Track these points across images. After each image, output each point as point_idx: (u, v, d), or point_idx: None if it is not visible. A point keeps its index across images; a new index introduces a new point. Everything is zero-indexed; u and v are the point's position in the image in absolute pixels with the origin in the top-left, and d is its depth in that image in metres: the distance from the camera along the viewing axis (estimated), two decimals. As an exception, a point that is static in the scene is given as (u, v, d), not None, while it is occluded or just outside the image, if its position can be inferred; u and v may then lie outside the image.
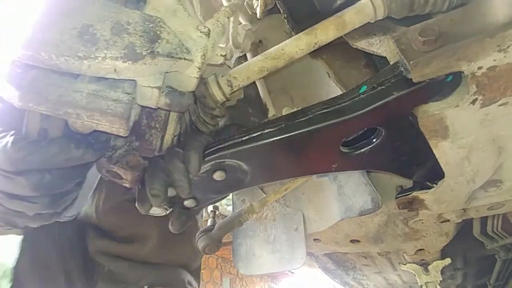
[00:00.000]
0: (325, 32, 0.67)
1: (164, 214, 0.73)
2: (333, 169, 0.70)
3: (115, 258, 1.15)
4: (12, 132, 0.56)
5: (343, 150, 0.67)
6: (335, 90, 1.07)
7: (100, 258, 1.14)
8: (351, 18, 0.66)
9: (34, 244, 1.05)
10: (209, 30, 0.58)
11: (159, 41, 0.51)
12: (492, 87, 0.50)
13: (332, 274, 1.99)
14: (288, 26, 0.91)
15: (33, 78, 0.47)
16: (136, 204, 0.68)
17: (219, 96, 0.69)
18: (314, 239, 1.20)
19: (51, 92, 0.48)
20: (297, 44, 0.68)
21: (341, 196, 0.99)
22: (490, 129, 0.56)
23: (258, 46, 1.19)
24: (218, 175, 0.68)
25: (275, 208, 1.13)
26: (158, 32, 0.52)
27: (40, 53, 0.45)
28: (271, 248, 1.08)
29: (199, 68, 0.56)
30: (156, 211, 0.71)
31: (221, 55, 0.62)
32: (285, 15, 0.88)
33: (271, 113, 0.89)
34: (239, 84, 0.69)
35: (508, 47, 0.46)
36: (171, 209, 0.71)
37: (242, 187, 0.74)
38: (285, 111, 0.81)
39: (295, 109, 0.81)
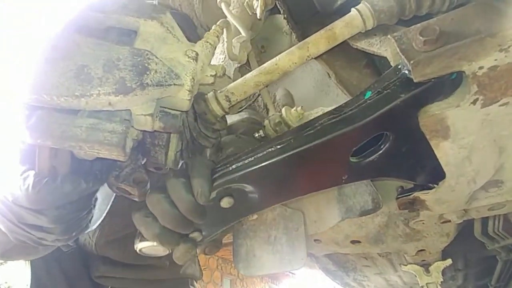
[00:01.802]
0: (316, 45, 0.69)
1: (167, 253, 0.70)
2: (343, 181, 0.66)
3: (118, 279, 1.18)
4: (34, 173, 0.63)
5: (352, 160, 0.64)
6: (335, 90, 1.07)
7: (101, 281, 1.19)
8: (341, 30, 0.68)
9: (43, 271, 1.12)
10: (196, 54, 0.62)
11: (148, 72, 0.55)
12: (493, 87, 0.50)
13: (333, 275, 1.99)
14: (288, 26, 0.91)
15: (38, 118, 0.53)
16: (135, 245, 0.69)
17: (219, 111, 0.71)
18: (315, 240, 1.19)
19: (54, 129, 0.53)
20: (290, 58, 0.70)
21: (342, 196, 0.99)
22: (491, 129, 0.55)
23: (261, 52, 1.19)
24: (225, 202, 0.63)
25: (276, 208, 1.12)
26: (146, 64, 0.56)
27: (42, 96, 0.51)
28: (271, 249, 1.08)
29: (189, 91, 0.59)
30: (158, 250, 0.69)
31: (211, 75, 0.64)
32: (285, 15, 0.88)
33: (271, 112, 0.90)
34: (237, 99, 0.72)
35: (509, 46, 0.46)
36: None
37: (251, 213, 0.70)
38: (284, 111, 0.81)
39: (295, 108, 0.81)
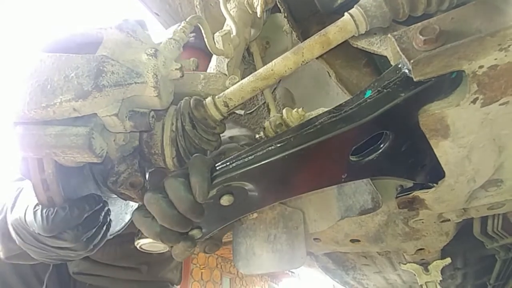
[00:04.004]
0: (311, 51, 0.70)
1: (167, 250, 0.70)
2: (343, 180, 0.66)
3: (96, 276, 1.19)
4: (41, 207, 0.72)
5: (352, 159, 0.64)
6: (335, 89, 1.07)
7: (80, 277, 1.19)
8: (335, 36, 0.68)
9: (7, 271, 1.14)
10: (155, 50, 0.65)
11: (103, 75, 0.59)
12: (493, 86, 0.50)
13: (332, 274, 1.99)
14: (288, 25, 0.91)
15: (17, 133, 0.59)
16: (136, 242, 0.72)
17: (217, 116, 0.74)
18: (314, 239, 1.20)
19: (30, 140, 0.59)
20: (286, 64, 0.71)
21: (341, 195, 0.99)
22: (491, 129, 0.55)
23: (266, 48, 1.19)
24: (225, 200, 0.63)
25: (275, 207, 1.13)
26: (101, 67, 0.59)
27: (17, 112, 0.57)
28: (271, 248, 1.08)
29: (154, 87, 0.63)
30: (158, 247, 0.70)
31: (176, 69, 0.67)
32: (285, 14, 0.88)
33: (273, 112, 0.89)
34: (235, 104, 0.74)
35: (509, 46, 0.45)
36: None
37: (251, 210, 0.70)
38: (285, 112, 0.81)
39: (296, 109, 0.81)
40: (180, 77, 0.69)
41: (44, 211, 0.70)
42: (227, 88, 0.82)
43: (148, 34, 0.71)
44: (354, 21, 0.66)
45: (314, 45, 0.70)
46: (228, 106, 0.74)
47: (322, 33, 0.69)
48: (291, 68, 0.72)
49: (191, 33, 0.79)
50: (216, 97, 0.74)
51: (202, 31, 0.83)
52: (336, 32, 0.68)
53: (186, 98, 0.75)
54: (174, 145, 0.71)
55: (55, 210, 0.70)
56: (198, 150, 0.74)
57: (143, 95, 0.64)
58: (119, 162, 0.71)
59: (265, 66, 0.73)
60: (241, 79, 0.76)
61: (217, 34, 0.88)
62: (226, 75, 0.89)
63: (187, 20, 0.76)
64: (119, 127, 0.64)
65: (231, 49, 0.90)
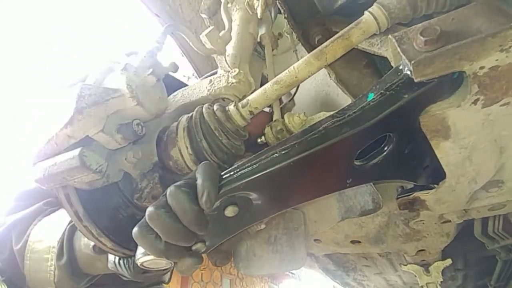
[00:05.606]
0: (334, 55, 0.71)
1: (170, 266, 0.70)
2: (348, 185, 0.65)
3: None
4: (118, 259, 0.87)
5: (356, 163, 0.63)
6: (335, 90, 1.07)
7: None
8: (358, 38, 0.68)
9: None
10: (126, 64, 0.71)
11: (81, 99, 0.65)
12: (494, 87, 0.50)
13: (333, 275, 1.99)
14: (288, 26, 0.91)
15: (36, 171, 0.68)
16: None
17: (243, 124, 0.78)
18: (315, 240, 1.19)
19: (43, 173, 0.67)
20: (309, 70, 0.73)
21: (342, 196, 0.99)
22: (492, 129, 0.55)
23: (278, 39, 1.19)
24: (230, 211, 0.61)
25: (276, 208, 1.12)
26: (79, 93, 0.65)
27: (33, 153, 0.67)
28: (271, 249, 1.08)
29: (132, 97, 0.68)
30: (160, 264, 0.69)
31: (148, 74, 0.72)
32: (286, 15, 0.88)
33: (276, 117, 0.89)
34: (258, 110, 0.78)
35: (510, 47, 0.45)
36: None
37: (256, 221, 0.69)
38: (287, 117, 0.81)
39: (298, 114, 0.81)
40: (157, 81, 0.73)
41: (125, 262, 0.85)
42: (232, 83, 0.83)
43: (131, 57, 0.76)
44: (377, 23, 0.66)
45: (337, 49, 0.69)
46: (253, 114, 0.77)
47: (345, 36, 0.68)
48: (313, 73, 0.73)
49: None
50: (241, 106, 0.76)
51: (186, 38, 0.83)
52: (359, 35, 0.68)
53: (199, 110, 0.77)
54: (197, 164, 0.73)
55: (131, 260, 0.83)
56: (230, 158, 0.77)
57: (126, 107, 0.68)
58: (141, 179, 0.75)
59: (288, 73, 0.74)
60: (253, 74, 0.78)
61: (202, 35, 0.88)
62: (229, 73, 0.88)
63: (161, 30, 0.78)
64: (113, 142, 0.68)
65: (221, 45, 0.90)
